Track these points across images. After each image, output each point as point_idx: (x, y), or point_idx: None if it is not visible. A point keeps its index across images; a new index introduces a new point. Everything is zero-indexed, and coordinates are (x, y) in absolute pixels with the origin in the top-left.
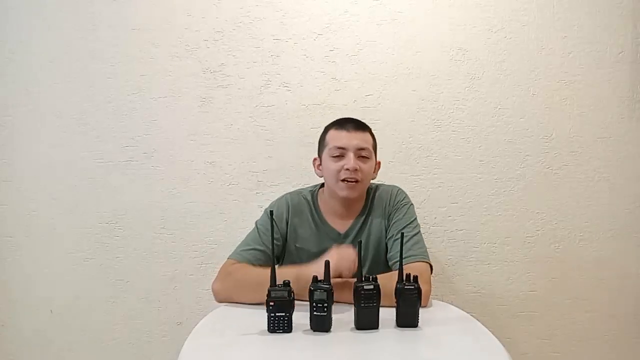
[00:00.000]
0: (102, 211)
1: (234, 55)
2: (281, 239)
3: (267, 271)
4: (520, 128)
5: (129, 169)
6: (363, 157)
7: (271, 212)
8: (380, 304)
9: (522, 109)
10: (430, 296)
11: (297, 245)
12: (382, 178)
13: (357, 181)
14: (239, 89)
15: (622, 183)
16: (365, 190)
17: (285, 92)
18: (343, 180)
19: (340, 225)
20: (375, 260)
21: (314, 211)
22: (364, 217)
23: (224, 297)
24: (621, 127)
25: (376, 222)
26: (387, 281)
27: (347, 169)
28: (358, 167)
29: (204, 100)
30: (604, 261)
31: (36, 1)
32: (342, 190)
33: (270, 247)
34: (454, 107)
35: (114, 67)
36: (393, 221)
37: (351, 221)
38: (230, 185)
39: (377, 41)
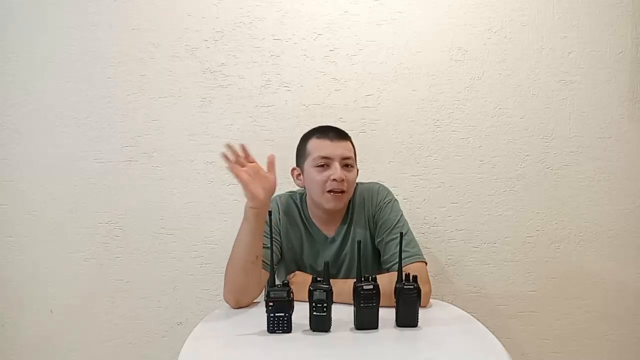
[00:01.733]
0: (102, 211)
1: (234, 55)
2: (279, 237)
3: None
4: (520, 128)
5: (129, 169)
6: (348, 166)
7: (270, 212)
8: (380, 304)
9: (522, 109)
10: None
11: (288, 246)
12: (382, 178)
13: (343, 192)
14: (239, 89)
15: (622, 183)
16: (348, 199)
17: (285, 92)
18: (329, 192)
19: (327, 230)
20: (362, 262)
21: (302, 214)
22: (349, 219)
23: (234, 296)
24: (621, 127)
25: (361, 224)
26: (387, 281)
27: (334, 180)
28: (345, 177)
29: (204, 100)
30: (603, 261)
31: (36, 1)
32: (329, 202)
33: (269, 245)
34: (454, 107)
35: (114, 67)
36: (380, 222)
37: (337, 225)
38: (230, 185)
39: (377, 41)
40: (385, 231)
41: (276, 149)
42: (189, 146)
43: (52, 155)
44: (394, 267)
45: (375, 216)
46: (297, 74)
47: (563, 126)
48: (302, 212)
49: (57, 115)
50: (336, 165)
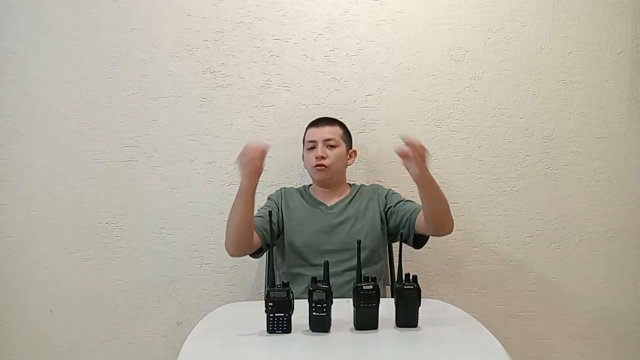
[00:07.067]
0: (102, 211)
1: (234, 55)
2: (278, 212)
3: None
4: (520, 128)
5: (129, 169)
6: (330, 146)
7: (270, 212)
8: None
9: (522, 109)
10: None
11: (290, 206)
12: (382, 178)
13: (325, 166)
14: (239, 89)
15: (622, 183)
16: (338, 173)
17: (285, 92)
18: (316, 167)
19: (327, 201)
20: (371, 227)
21: (304, 192)
22: (351, 197)
23: (230, 247)
24: (621, 127)
25: (367, 198)
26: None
27: (316, 157)
28: (325, 155)
29: (204, 100)
30: (603, 261)
31: (37, 1)
32: (316, 174)
33: (268, 213)
34: (454, 107)
35: (114, 67)
36: (389, 197)
37: (338, 199)
38: (230, 185)
39: (377, 41)
40: (395, 201)
41: (276, 149)
42: (189, 146)
43: (52, 155)
44: (414, 213)
45: (387, 197)
46: (297, 74)
47: (563, 126)
48: (303, 190)
49: (57, 115)
50: (319, 145)
